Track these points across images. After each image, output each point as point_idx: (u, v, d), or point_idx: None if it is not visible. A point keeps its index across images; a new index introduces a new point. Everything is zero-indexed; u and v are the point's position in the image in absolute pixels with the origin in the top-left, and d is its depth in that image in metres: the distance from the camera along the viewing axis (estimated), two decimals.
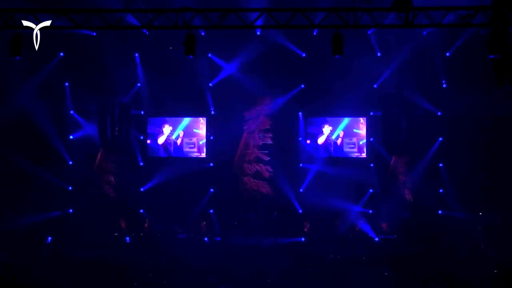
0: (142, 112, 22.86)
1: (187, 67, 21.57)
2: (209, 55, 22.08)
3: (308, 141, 22.54)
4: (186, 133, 22.73)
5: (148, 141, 22.81)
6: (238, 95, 22.36)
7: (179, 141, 22.69)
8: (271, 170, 22.56)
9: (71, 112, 22.45)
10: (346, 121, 22.41)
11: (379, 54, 21.81)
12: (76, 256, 19.44)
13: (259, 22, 15.30)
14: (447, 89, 21.71)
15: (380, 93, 22.14)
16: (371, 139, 22.39)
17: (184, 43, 14.98)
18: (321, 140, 22.44)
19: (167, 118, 22.79)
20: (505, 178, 20.72)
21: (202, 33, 20.79)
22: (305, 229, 22.01)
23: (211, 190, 22.42)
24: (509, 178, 20.63)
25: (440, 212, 21.56)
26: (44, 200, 21.52)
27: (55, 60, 21.86)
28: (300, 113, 22.58)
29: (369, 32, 20.43)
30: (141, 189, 22.50)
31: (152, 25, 15.35)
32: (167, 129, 22.69)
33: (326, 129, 22.41)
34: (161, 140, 22.70)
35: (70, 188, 22.36)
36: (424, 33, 20.26)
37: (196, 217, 22.21)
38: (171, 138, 22.70)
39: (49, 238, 21.29)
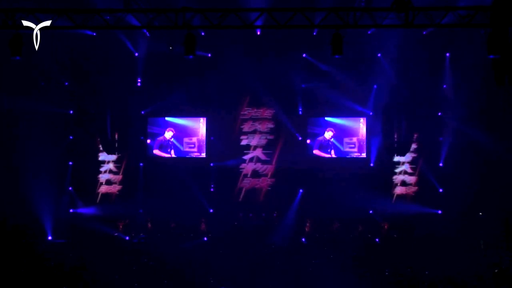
0: (143, 112, 22.86)
1: (187, 67, 21.58)
2: (208, 55, 22.11)
3: (308, 141, 22.55)
4: (185, 133, 22.76)
5: (148, 141, 22.82)
6: (238, 95, 22.43)
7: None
8: (271, 170, 22.58)
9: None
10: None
11: (379, 55, 21.84)
12: (77, 255, 19.50)
13: (259, 22, 15.30)
14: (447, 89, 21.74)
15: (380, 93, 22.14)
16: (371, 139, 22.38)
17: (184, 43, 14.98)
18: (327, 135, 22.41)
19: (167, 118, 22.80)
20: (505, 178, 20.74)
21: (202, 33, 20.82)
22: (306, 229, 22.04)
23: (212, 189, 22.50)
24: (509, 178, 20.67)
25: (439, 212, 21.57)
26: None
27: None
28: (300, 113, 22.59)
29: (369, 32, 20.44)
30: (141, 189, 22.56)
31: (152, 25, 15.36)
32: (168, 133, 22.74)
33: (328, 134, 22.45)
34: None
35: (71, 188, 22.43)
36: (424, 32, 20.26)
37: (196, 216, 22.24)
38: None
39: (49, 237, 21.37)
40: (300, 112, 22.61)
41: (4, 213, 20.51)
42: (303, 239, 21.55)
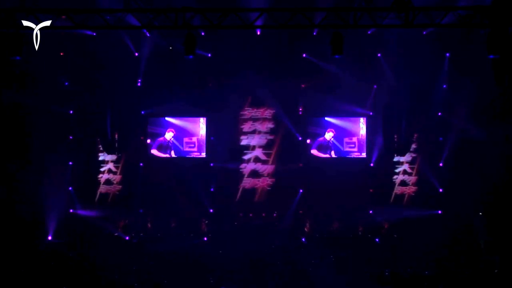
0: (143, 112, 22.86)
1: (187, 67, 21.58)
2: (208, 55, 22.08)
3: (308, 141, 22.54)
4: (185, 133, 22.78)
5: (148, 141, 22.82)
6: (238, 95, 22.44)
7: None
8: (271, 170, 22.60)
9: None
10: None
11: (379, 55, 21.85)
12: (77, 255, 19.52)
13: (259, 22, 15.31)
14: (447, 89, 21.75)
15: (380, 93, 22.14)
16: (371, 139, 22.37)
17: (184, 43, 14.99)
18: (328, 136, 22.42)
19: (167, 118, 22.80)
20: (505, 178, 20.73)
21: (202, 33, 20.83)
22: (306, 229, 22.04)
23: (212, 189, 22.47)
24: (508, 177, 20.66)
25: (439, 212, 21.56)
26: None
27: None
28: (300, 113, 22.59)
29: (369, 32, 20.45)
30: (141, 189, 22.57)
31: (152, 25, 15.37)
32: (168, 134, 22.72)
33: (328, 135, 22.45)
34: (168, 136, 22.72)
35: (71, 188, 22.42)
36: (424, 32, 20.27)
37: (196, 216, 22.24)
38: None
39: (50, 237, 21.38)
40: (300, 112, 22.62)
41: (4, 213, 20.50)
42: (303, 239, 21.55)
